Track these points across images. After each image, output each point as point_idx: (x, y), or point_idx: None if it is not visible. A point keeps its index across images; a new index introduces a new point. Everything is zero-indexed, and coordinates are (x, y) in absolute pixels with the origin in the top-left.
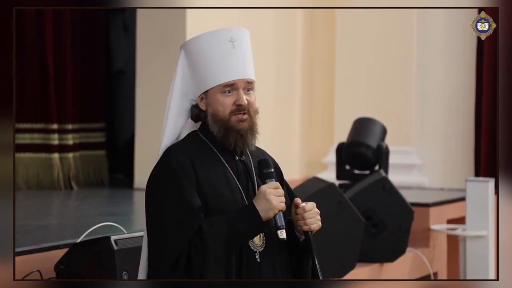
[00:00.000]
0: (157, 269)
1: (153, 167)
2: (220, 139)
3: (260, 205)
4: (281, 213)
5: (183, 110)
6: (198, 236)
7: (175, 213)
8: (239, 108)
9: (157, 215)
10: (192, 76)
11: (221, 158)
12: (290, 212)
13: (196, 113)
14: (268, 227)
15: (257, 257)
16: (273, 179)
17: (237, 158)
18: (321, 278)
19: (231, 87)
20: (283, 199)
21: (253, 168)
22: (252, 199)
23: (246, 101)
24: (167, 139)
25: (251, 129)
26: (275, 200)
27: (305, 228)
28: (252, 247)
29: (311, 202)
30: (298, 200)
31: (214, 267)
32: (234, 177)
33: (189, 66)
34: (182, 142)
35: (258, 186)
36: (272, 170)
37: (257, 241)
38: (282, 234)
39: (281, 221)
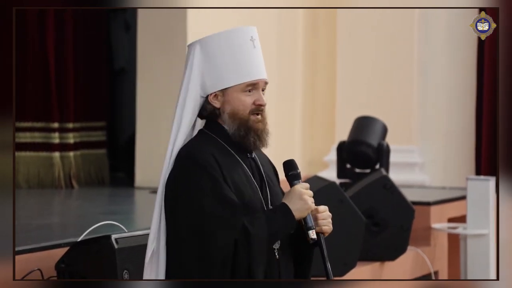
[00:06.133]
0: (203, 269)
1: (167, 167)
2: (239, 138)
3: (295, 205)
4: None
5: (196, 107)
6: (243, 235)
7: (218, 211)
8: (259, 108)
9: (196, 216)
10: (208, 73)
11: (236, 156)
12: None
13: (211, 109)
14: None
15: (276, 254)
16: (300, 180)
17: (249, 156)
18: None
19: (253, 86)
20: (313, 199)
21: (261, 166)
22: (266, 197)
23: (265, 102)
24: (182, 138)
25: (266, 129)
26: (309, 200)
27: (317, 229)
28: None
29: (323, 205)
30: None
31: (257, 266)
32: (251, 175)
33: (206, 63)
34: (198, 140)
35: (269, 185)
36: (299, 171)
37: None
38: (314, 234)
39: (311, 221)
